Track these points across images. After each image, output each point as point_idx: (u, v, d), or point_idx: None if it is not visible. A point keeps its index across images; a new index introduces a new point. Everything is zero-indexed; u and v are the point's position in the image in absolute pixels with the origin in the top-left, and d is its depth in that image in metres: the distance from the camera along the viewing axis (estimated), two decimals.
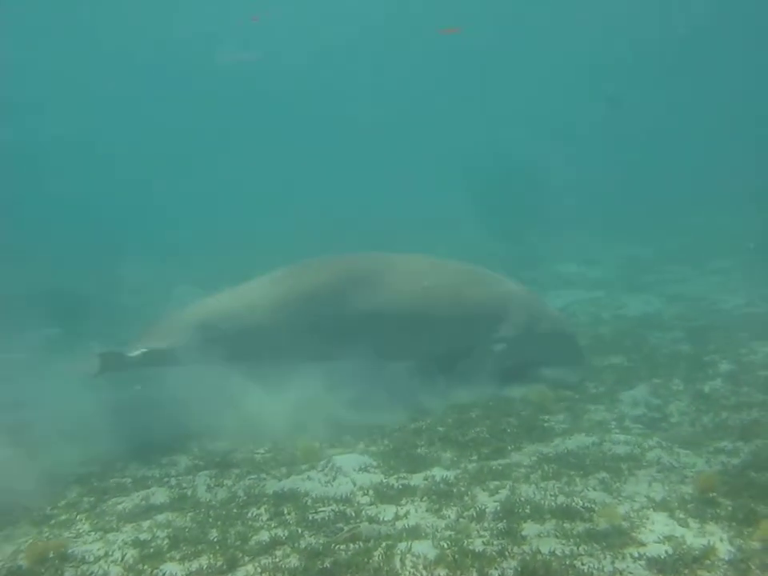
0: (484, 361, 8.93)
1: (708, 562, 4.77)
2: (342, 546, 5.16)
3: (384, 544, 5.11)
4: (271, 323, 8.59)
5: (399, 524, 5.51)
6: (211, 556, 5.09)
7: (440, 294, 8.92)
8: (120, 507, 6.06)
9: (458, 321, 8.97)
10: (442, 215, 25.33)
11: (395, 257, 9.48)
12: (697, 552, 4.86)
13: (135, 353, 8.39)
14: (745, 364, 9.44)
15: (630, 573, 4.67)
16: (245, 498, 6.16)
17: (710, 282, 16.17)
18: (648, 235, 22.11)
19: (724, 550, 4.90)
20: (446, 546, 5.01)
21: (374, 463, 6.73)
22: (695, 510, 5.43)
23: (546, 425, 7.63)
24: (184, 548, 5.22)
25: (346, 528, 5.42)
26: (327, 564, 4.88)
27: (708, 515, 5.35)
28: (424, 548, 4.99)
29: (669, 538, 5.07)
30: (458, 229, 23.12)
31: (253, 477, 6.66)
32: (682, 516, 5.38)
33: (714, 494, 5.65)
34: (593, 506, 5.59)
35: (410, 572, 4.71)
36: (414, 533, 5.29)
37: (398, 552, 4.94)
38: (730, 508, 5.42)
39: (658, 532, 5.17)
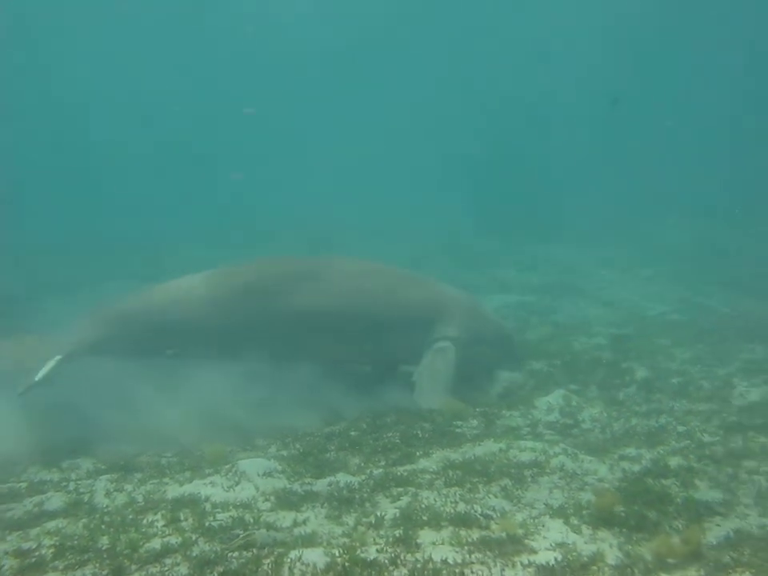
0: (434, 361, 8.91)
1: (595, 567, 4.86)
2: (235, 554, 5.11)
3: (276, 552, 5.08)
4: (200, 319, 8.50)
5: (296, 531, 5.48)
6: (97, 565, 4.99)
7: (377, 295, 8.92)
8: (9, 514, 5.90)
9: (396, 321, 8.96)
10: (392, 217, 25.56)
11: (333, 259, 9.48)
12: (585, 558, 4.94)
13: (42, 373, 8.17)
14: (660, 371, 9.67)
15: None
16: (143, 503, 6.07)
17: (640, 288, 16.52)
18: (591, 242, 22.47)
19: (612, 555, 5.00)
20: (338, 554, 4.99)
21: (280, 468, 6.68)
22: (589, 517, 5.52)
23: (458, 431, 7.69)
24: (69, 557, 5.10)
25: (241, 535, 5.37)
26: (216, 573, 4.82)
27: (601, 522, 5.44)
28: (315, 556, 4.97)
29: (560, 545, 5.14)
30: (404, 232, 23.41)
31: (155, 481, 6.56)
32: (576, 523, 5.47)
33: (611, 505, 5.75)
34: (491, 513, 5.65)
35: None
36: (309, 540, 5.27)
37: (288, 560, 4.91)
38: (623, 515, 5.52)
39: (551, 539, 5.24)
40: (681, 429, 7.53)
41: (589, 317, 13.89)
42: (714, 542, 5.16)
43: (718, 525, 5.43)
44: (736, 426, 7.48)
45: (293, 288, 8.71)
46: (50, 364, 8.27)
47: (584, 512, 5.61)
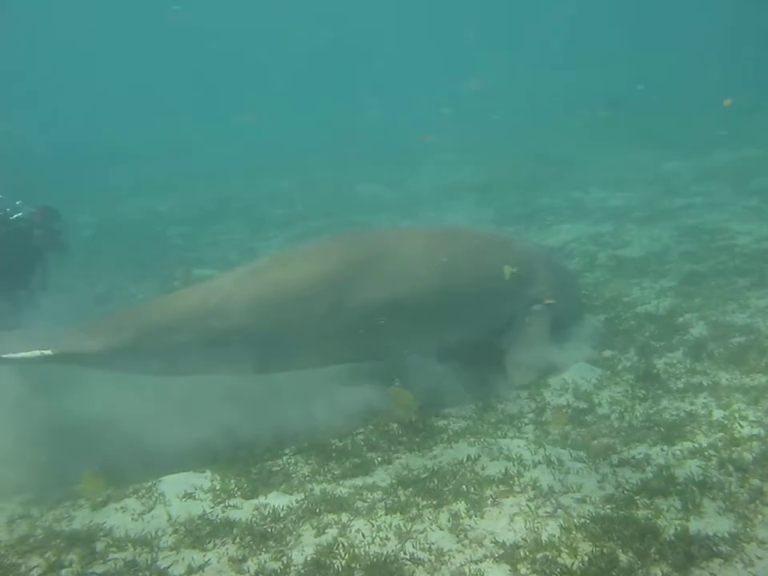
0: (531, 329, 7.99)
1: None
2: None
3: None
4: (248, 328, 7.18)
5: None
6: None
7: (461, 268, 7.78)
8: None
9: (487, 294, 7.89)
10: None
11: (399, 232, 8.29)
12: None
13: (15, 355, 7.25)
14: (722, 326, 8.29)
15: None
16: (42, 538, 5.53)
17: (742, 206, 14.69)
18: (697, 147, 20.37)
19: None
20: None
21: (209, 485, 6.02)
22: (544, 564, 4.56)
23: (440, 423, 6.78)
24: None
25: None
26: None
27: (557, 570, 4.48)
28: None
29: None
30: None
31: (67, 504, 6.03)
32: (524, 572, 4.53)
33: (578, 537, 4.76)
34: (424, 555, 4.79)
35: None
36: None
37: None
38: (587, 558, 4.53)
39: None
40: (717, 414, 6.31)
41: (665, 249, 12.40)
42: None
43: (713, 574, 4.35)
44: None
45: (362, 277, 7.35)
46: (32, 353, 7.32)
47: (539, 555, 4.65)
